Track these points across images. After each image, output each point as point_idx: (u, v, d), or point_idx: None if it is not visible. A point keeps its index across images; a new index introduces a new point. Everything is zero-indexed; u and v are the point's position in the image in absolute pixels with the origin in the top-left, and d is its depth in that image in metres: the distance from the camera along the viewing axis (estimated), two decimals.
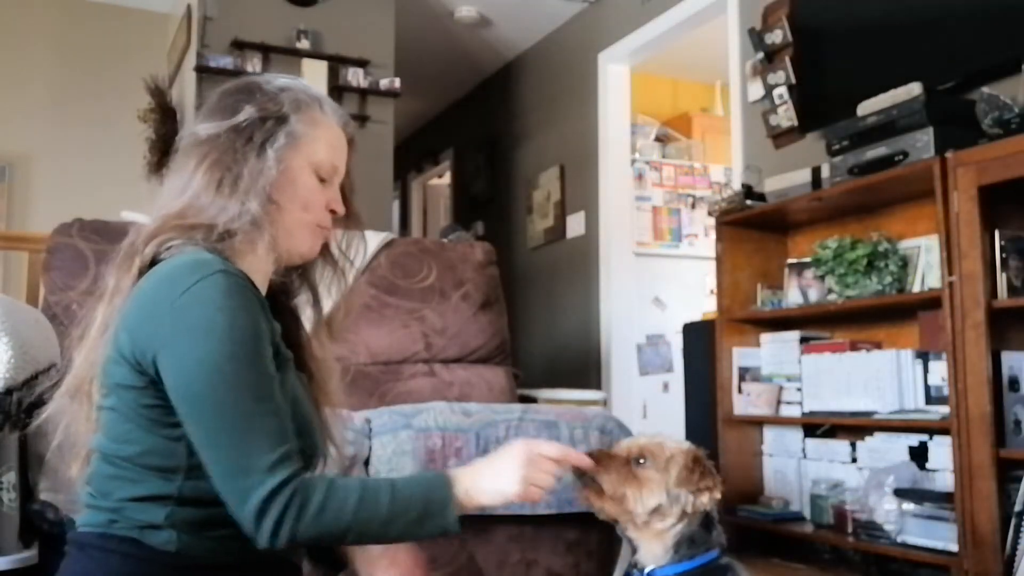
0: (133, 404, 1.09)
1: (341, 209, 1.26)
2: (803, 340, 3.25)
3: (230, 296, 1.06)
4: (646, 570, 1.31)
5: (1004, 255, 2.44)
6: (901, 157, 2.77)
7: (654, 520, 1.29)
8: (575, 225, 5.31)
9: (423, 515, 1.10)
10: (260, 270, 1.20)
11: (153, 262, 1.13)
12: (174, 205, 1.15)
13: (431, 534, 1.12)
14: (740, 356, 3.43)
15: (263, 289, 1.22)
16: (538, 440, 1.21)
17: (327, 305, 1.33)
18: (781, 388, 3.29)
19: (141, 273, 1.12)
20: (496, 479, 1.15)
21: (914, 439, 2.81)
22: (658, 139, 5.73)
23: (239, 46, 4.45)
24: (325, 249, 1.30)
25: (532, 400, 3.50)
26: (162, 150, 4.75)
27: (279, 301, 1.29)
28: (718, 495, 1.30)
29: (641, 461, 1.31)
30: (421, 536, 1.12)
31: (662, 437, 1.37)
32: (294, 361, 1.24)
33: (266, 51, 4.50)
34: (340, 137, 1.26)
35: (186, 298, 1.05)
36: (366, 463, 2.01)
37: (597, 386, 4.91)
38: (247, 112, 1.17)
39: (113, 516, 1.10)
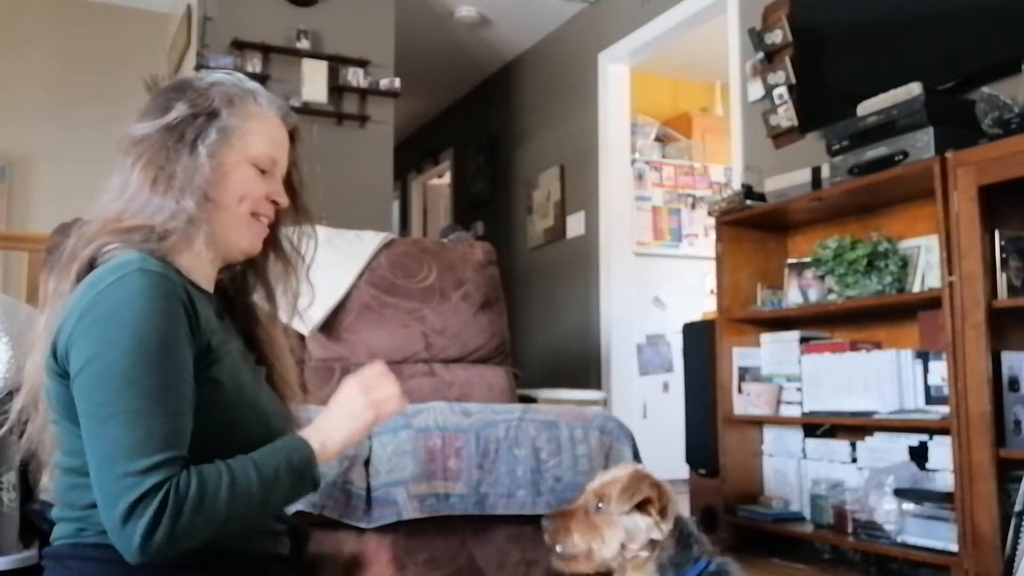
0: (70, 413, 1.07)
1: (283, 200, 1.24)
2: (803, 340, 3.25)
3: (142, 294, 1.05)
4: None
5: (1004, 255, 2.44)
6: (901, 157, 2.77)
7: (628, 558, 1.29)
8: (575, 225, 5.31)
9: (293, 482, 1.11)
10: (202, 268, 1.20)
11: (92, 267, 1.13)
12: (112, 207, 1.16)
13: (301, 495, 1.15)
14: (740, 356, 3.43)
15: (209, 286, 1.22)
16: (360, 371, 1.23)
17: (281, 300, 1.34)
18: (781, 388, 3.29)
19: (79, 278, 1.12)
20: (345, 420, 1.18)
21: (914, 439, 2.81)
22: (658, 139, 5.74)
23: (239, 46, 4.45)
24: (275, 244, 1.31)
25: (532, 400, 3.50)
26: None
27: (234, 298, 1.30)
28: (662, 505, 1.29)
29: (599, 506, 1.31)
30: (291, 502, 1.14)
31: (622, 470, 1.38)
32: (257, 356, 1.27)
33: (266, 51, 4.50)
34: (278, 128, 1.25)
35: (98, 296, 1.05)
36: (366, 463, 2.01)
37: (597, 386, 4.91)
38: (178, 110, 1.17)
39: (80, 524, 1.09)
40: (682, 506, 3.80)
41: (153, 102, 1.21)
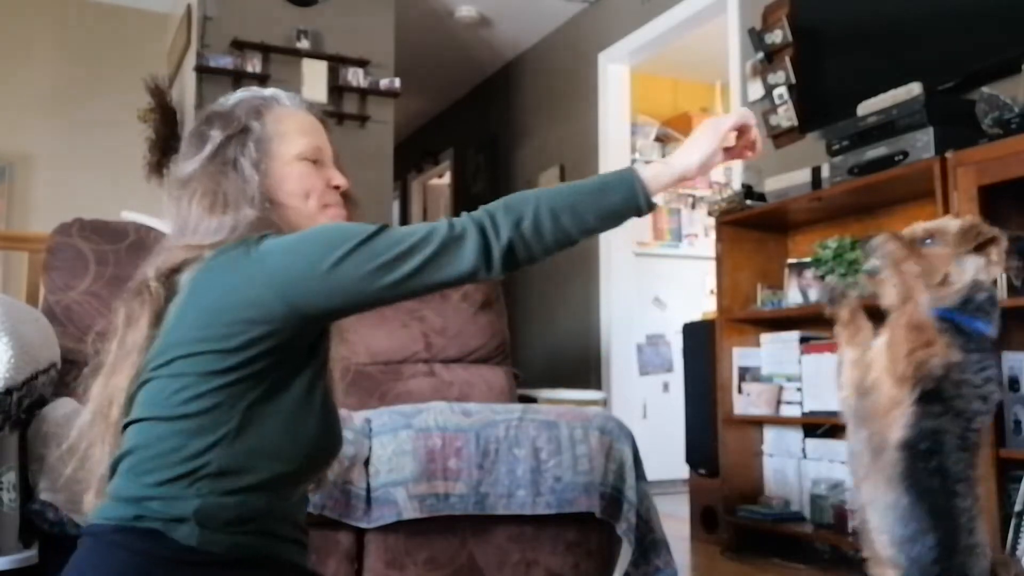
0: (198, 371, 1.10)
1: (343, 182, 1.29)
2: (803, 340, 3.25)
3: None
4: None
5: (1004, 255, 2.44)
6: (901, 157, 2.77)
7: (940, 289, 1.33)
8: None
9: (603, 186, 1.14)
10: None
11: (171, 277, 1.17)
12: (178, 242, 1.20)
13: (618, 211, 1.14)
14: (740, 356, 3.43)
15: None
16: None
17: None
18: (781, 388, 3.29)
19: (168, 292, 1.16)
20: (690, 150, 1.21)
21: None
22: (658, 139, 5.74)
23: (239, 46, 4.45)
24: None
25: (532, 400, 3.50)
26: (162, 150, 4.75)
27: None
28: (997, 257, 1.33)
29: (928, 242, 1.35)
30: (606, 218, 1.14)
31: (948, 222, 1.42)
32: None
33: (266, 51, 4.50)
34: (310, 120, 1.31)
35: (266, 241, 1.13)
36: (366, 463, 2.01)
37: (597, 386, 4.91)
38: (213, 138, 1.23)
39: (138, 510, 1.09)
40: (682, 506, 3.82)
41: (189, 140, 1.27)
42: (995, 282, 1.37)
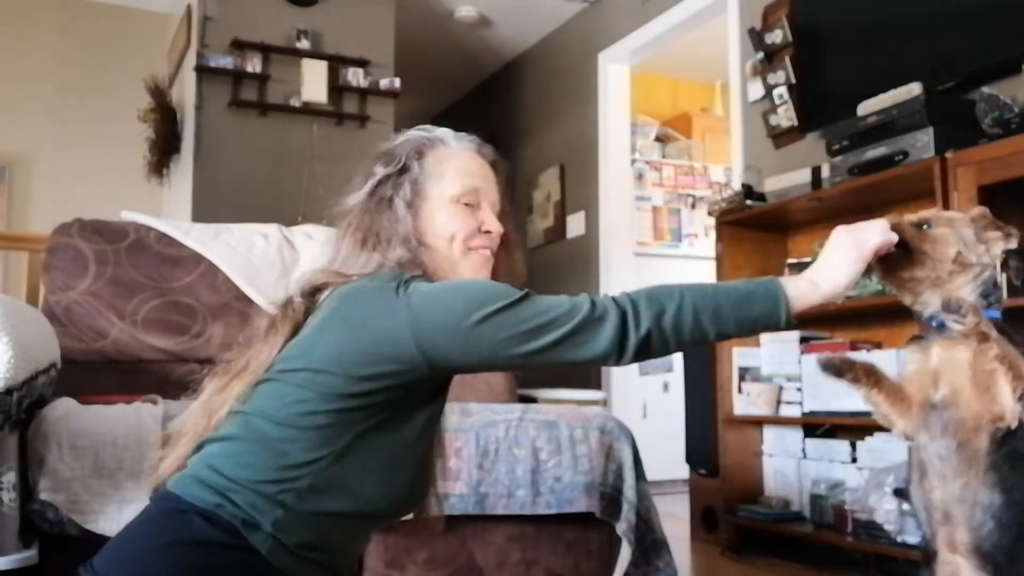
0: (324, 388, 1.11)
1: (496, 227, 1.29)
2: (803, 340, 3.26)
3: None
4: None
5: (1004, 255, 2.44)
6: (901, 157, 2.77)
7: (955, 275, 1.33)
8: (575, 225, 5.31)
9: (748, 295, 1.14)
10: None
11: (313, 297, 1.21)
12: (329, 268, 1.25)
13: (763, 317, 1.15)
14: (740, 356, 3.43)
15: None
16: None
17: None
18: (781, 388, 3.29)
19: (309, 308, 1.20)
20: (834, 257, 1.21)
21: None
22: (658, 139, 5.74)
23: (239, 46, 4.45)
24: (504, 270, 1.34)
25: (532, 400, 3.50)
26: (162, 150, 4.76)
27: None
28: (1013, 244, 1.34)
29: (925, 227, 1.36)
30: (749, 326, 1.15)
31: (931, 211, 1.42)
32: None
33: (266, 51, 4.50)
34: (474, 160, 1.32)
35: (415, 285, 1.13)
36: None
37: (597, 386, 4.91)
38: (376, 175, 1.27)
39: (220, 500, 1.09)
40: (682, 506, 3.81)
41: (360, 175, 1.30)
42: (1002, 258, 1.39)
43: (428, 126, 1.35)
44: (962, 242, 1.34)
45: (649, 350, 1.10)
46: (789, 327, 1.15)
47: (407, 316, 1.09)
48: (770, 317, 1.14)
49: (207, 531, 1.07)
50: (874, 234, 1.19)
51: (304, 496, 1.09)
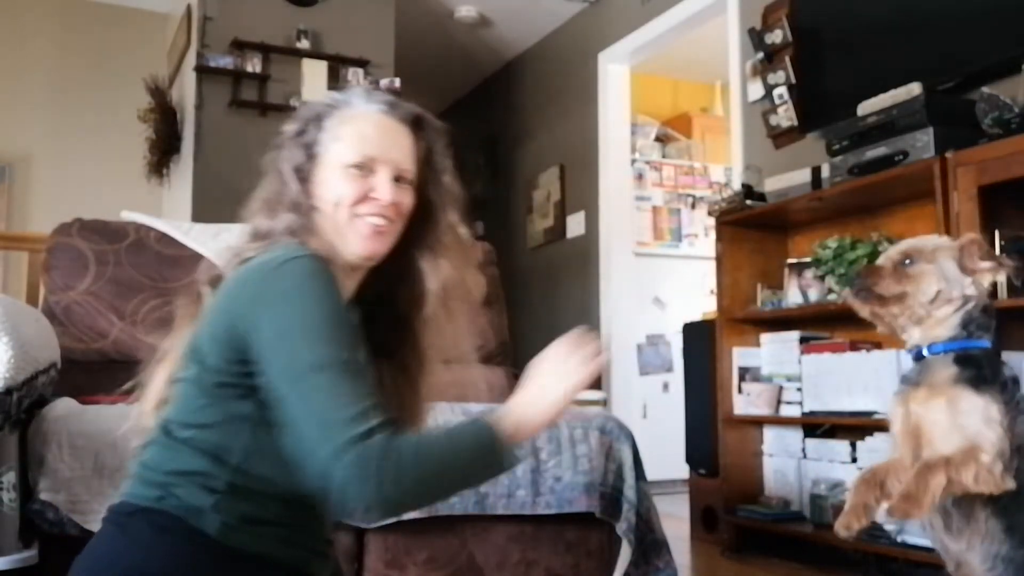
0: (212, 380, 1.12)
1: (384, 195, 1.20)
2: (803, 340, 3.25)
3: (320, 275, 1.11)
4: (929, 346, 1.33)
5: (1004, 255, 2.44)
6: (901, 157, 2.77)
7: (935, 309, 1.32)
8: (575, 225, 5.31)
9: (490, 462, 1.11)
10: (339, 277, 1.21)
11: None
12: (245, 231, 1.25)
13: (490, 475, 1.15)
14: (740, 356, 3.43)
15: (345, 296, 1.22)
16: (546, 354, 1.20)
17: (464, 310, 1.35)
18: (781, 388, 3.29)
19: (214, 283, 1.21)
20: (540, 402, 1.16)
21: None
22: (658, 139, 5.73)
23: (239, 46, 4.45)
24: (423, 244, 1.28)
25: None
26: (162, 150, 4.75)
27: (377, 308, 1.30)
28: (1000, 277, 1.33)
29: (907, 262, 1.34)
30: (481, 481, 1.16)
31: (920, 239, 1.41)
32: (397, 362, 1.30)
33: (266, 51, 4.50)
34: (378, 124, 1.24)
35: (279, 271, 1.11)
36: None
37: (597, 386, 4.90)
38: (278, 140, 1.26)
39: (161, 492, 1.11)
40: (682, 506, 3.81)
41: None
42: (991, 289, 1.37)
43: (350, 87, 1.34)
44: (944, 279, 1.32)
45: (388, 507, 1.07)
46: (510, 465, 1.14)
47: (252, 291, 1.11)
48: (496, 468, 1.13)
49: (156, 525, 1.09)
50: (576, 383, 1.17)
51: (238, 471, 1.11)
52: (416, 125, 1.27)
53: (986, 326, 1.35)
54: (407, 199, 1.24)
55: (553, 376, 1.17)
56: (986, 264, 1.35)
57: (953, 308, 1.33)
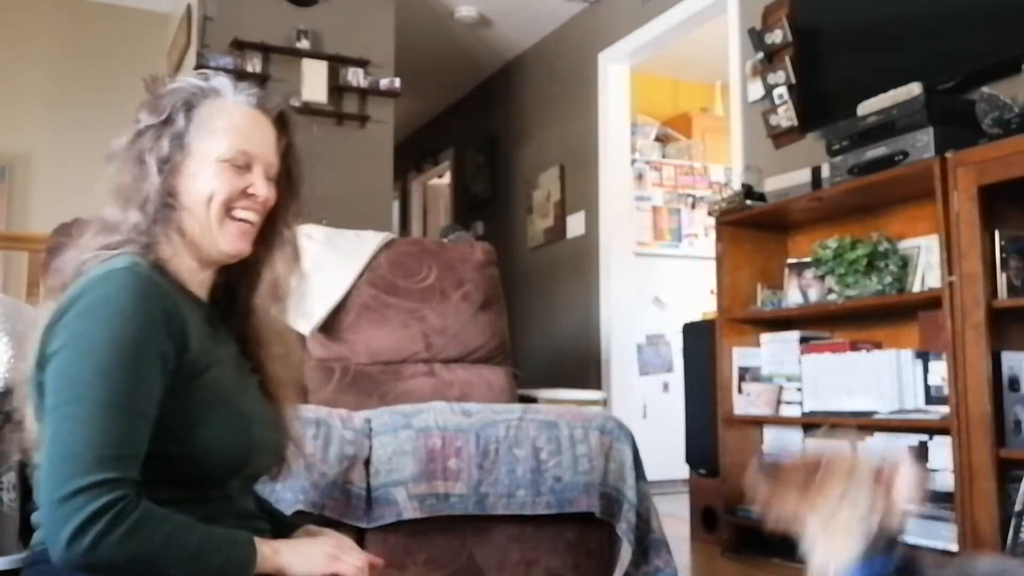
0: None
1: (261, 192, 1.19)
2: (803, 340, 3.25)
3: (125, 292, 1.06)
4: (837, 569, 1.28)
5: (1004, 255, 2.44)
6: (901, 157, 2.77)
7: (837, 522, 1.28)
8: (575, 225, 5.31)
9: (225, 564, 1.07)
10: (192, 274, 1.19)
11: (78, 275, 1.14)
12: (87, 225, 1.19)
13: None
14: (740, 356, 3.43)
15: (201, 293, 1.21)
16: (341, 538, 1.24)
17: (286, 301, 1.31)
18: (781, 388, 3.29)
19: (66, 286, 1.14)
20: (305, 551, 1.16)
21: (914, 439, 2.81)
22: (658, 139, 5.73)
23: (239, 46, 4.45)
24: (274, 242, 1.27)
25: (532, 400, 3.50)
26: None
27: (229, 306, 1.28)
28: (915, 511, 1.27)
29: (816, 477, 1.30)
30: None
31: (837, 452, 1.37)
32: (253, 363, 1.26)
33: (266, 51, 4.50)
34: (252, 119, 1.20)
35: (82, 290, 1.07)
36: (366, 463, 2.01)
37: (597, 386, 4.91)
38: (138, 124, 1.18)
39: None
40: (682, 506, 3.81)
41: (132, 119, 1.22)
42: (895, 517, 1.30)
43: (207, 72, 1.24)
44: (852, 505, 1.27)
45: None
46: None
47: (62, 306, 1.06)
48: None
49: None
50: (349, 564, 1.18)
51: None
52: (281, 120, 1.26)
53: (890, 547, 1.29)
54: (274, 195, 1.22)
55: (331, 543, 1.19)
56: (898, 501, 1.28)
57: (856, 533, 1.28)
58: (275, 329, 1.30)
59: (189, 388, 1.11)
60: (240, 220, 1.19)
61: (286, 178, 1.28)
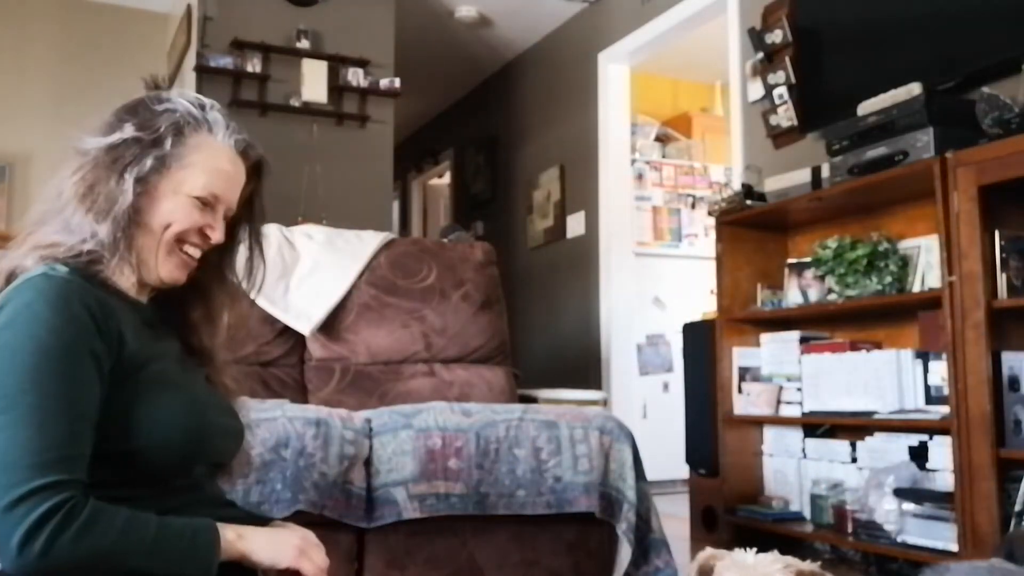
0: None
1: (216, 237, 1.21)
2: (803, 340, 3.25)
3: (42, 299, 1.05)
4: None
5: (1004, 255, 2.44)
6: (901, 157, 2.77)
7: None
8: (575, 225, 5.31)
9: (188, 551, 1.05)
10: (127, 283, 1.20)
11: (10, 281, 1.14)
12: (43, 217, 1.20)
13: (188, 570, 1.06)
14: (740, 356, 3.43)
15: (138, 296, 1.21)
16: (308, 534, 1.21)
17: (224, 317, 1.33)
18: (781, 388, 3.29)
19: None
20: (270, 539, 1.14)
21: (914, 439, 2.81)
22: (658, 139, 5.73)
23: (239, 46, 4.45)
24: (217, 277, 1.30)
25: (532, 400, 3.50)
26: None
27: (181, 310, 1.29)
28: None
29: None
30: (179, 569, 1.06)
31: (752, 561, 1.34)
32: (200, 363, 1.28)
33: (266, 51, 4.50)
34: (231, 162, 1.23)
35: (2, 302, 1.06)
36: (366, 463, 2.01)
37: (597, 386, 4.91)
38: (123, 132, 1.18)
39: None
40: (682, 506, 3.81)
41: (109, 118, 1.22)
42: None
43: (204, 101, 1.23)
44: None
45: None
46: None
47: None
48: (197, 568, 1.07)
49: None
50: (314, 563, 1.16)
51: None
52: (255, 169, 1.28)
53: None
54: (223, 238, 1.24)
55: (300, 542, 1.16)
56: None
57: None
58: (213, 341, 1.31)
59: (133, 380, 1.11)
60: (186, 254, 1.21)
61: (246, 221, 1.31)
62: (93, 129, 1.22)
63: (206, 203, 1.20)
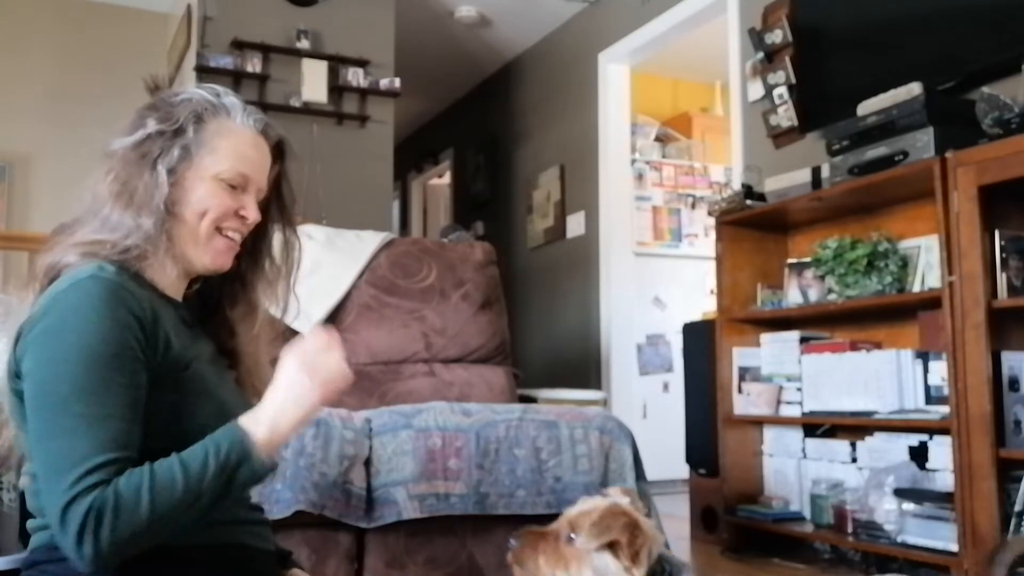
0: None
1: (252, 215, 1.23)
2: (803, 340, 3.25)
3: (90, 301, 1.06)
4: None
5: (1004, 255, 2.45)
6: (901, 157, 2.77)
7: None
8: (575, 225, 5.31)
9: (227, 473, 1.05)
10: (167, 279, 1.21)
11: (54, 280, 1.15)
12: (82, 218, 1.21)
13: (243, 486, 1.08)
14: (740, 356, 3.43)
15: (175, 295, 1.23)
16: (299, 341, 1.15)
17: (274, 310, 1.33)
18: (781, 388, 3.29)
19: (43, 290, 1.14)
20: (292, 405, 1.11)
21: (914, 439, 2.81)
22: (658, 139, 5.73)
23: (239, 46, 4.46)
24: (256, 259, 1.31)
25: (532, 400, 3.50)
26: None
27: (210, 309, 1.31)
28: (634, 549, 1.20)
29: (571, 536, 1.26)
30: (234, 494, 1.07)
31: (600, 501, 1.31)
32: (230, 363, 1.28)
33: (266, 51, 4.50)
34: (254, 143, 1.24)
35: (50, 304, 1.07)
36: (366, 463, 2.01)
37: (597, 386, 4.91)
38: (147, 127, 1.19)
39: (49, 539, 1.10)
40: (682, 506, 3.81)
41: (132, 119, 1.23)
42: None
43: (218, 89, 1.26)
44: (595, 571, 1.24)
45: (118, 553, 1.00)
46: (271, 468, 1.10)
47: (32, 320, 1.08)
48: (251, 476, 1.07)
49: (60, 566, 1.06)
50: (334, 379, 1.13)
51: None
52: (278, 149, 1.29)
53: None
54: (259, 218, 1.25)
55: (304, 372, 1.12)
56: (612, 536, 1.24)
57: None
58: (250, 338, 1.32)
59: (173, 380, 1.12)
60: (227, 237, 1.23)
61: (276, 204, 1.31)
62: (117, 132, 1.23)
63: (236, 185, 1.21)
